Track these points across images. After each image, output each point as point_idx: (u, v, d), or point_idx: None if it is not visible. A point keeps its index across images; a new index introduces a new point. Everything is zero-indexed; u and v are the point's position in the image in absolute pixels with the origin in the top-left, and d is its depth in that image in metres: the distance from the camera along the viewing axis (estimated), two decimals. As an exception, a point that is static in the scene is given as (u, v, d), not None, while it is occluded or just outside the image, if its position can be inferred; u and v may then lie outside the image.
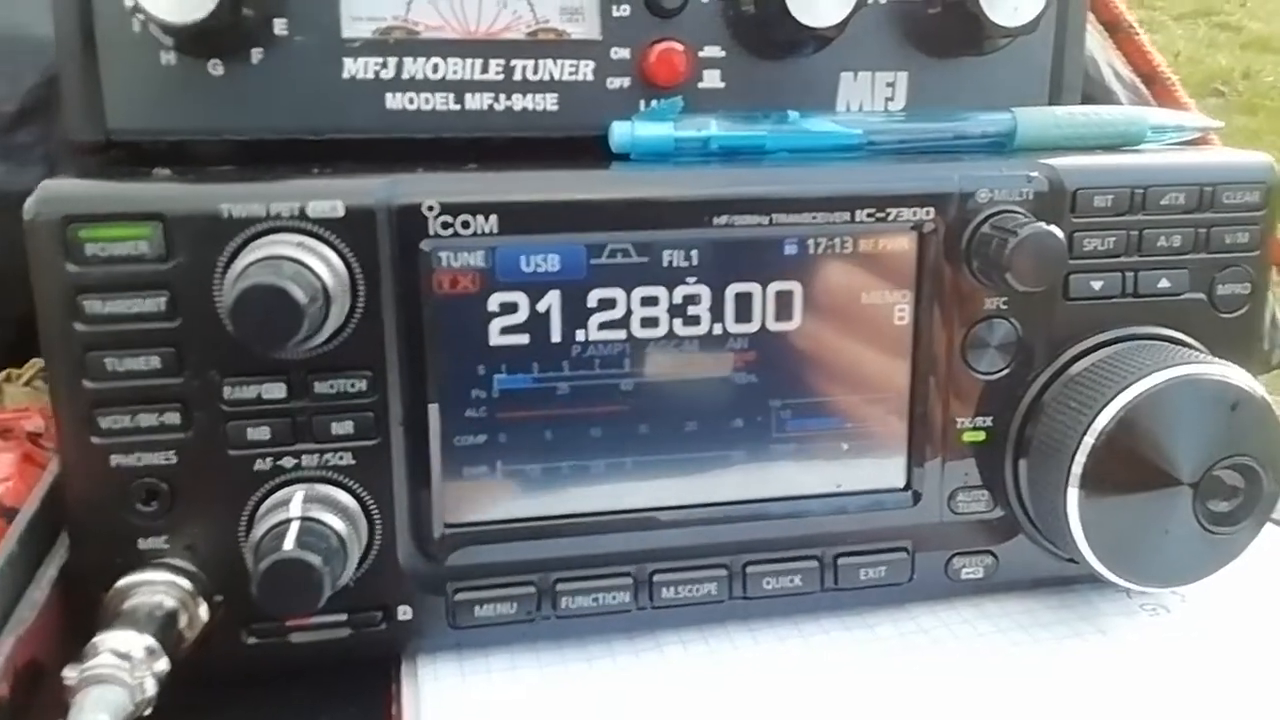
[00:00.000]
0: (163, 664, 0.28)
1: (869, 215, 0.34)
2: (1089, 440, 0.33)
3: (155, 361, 0.30)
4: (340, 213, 0.31)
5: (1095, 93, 0.50)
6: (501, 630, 0.35)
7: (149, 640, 0.29)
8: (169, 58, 0.33)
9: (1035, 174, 0.34)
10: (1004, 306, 0.35)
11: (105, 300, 0.30)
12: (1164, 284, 0.36)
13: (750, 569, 0.36)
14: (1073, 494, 0.33)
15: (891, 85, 0.38)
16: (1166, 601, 0.38)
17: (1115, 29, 0.43)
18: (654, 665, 0.35)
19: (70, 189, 0.30)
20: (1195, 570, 0.35)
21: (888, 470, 0.37)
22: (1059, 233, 0.32)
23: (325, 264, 0.30)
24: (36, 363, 0.45)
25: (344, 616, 0.33)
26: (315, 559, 0.29)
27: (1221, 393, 0.33)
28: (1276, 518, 0.45)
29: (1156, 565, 0.35)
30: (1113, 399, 0.33)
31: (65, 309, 0.30)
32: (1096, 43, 0.49)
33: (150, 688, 0.28)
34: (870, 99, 0.38)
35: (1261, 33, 4.11)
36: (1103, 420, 0.33)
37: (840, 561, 0.36)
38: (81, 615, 0.31)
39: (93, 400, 0.30)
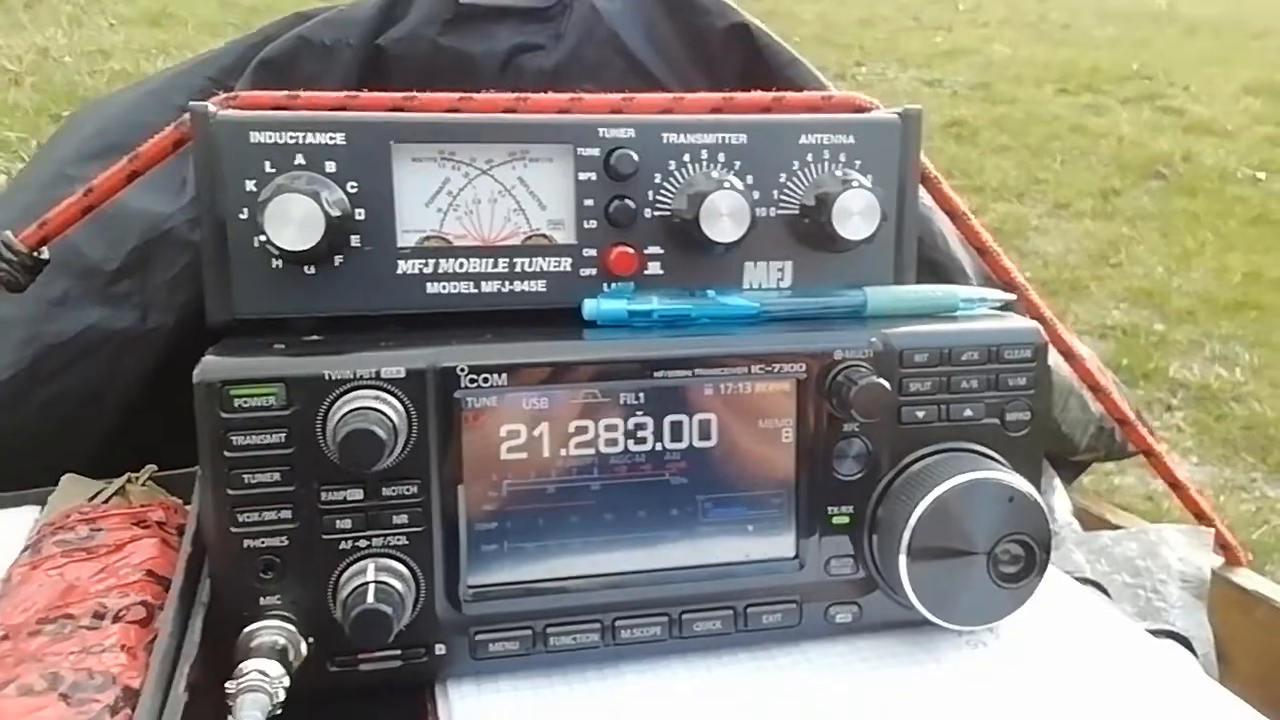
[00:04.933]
0: (286, 681, 0.42)
1: (761, 368, 0.48)
2: (911, 522, 0.47)
3: (276, 476, 0.44)
4: (402, 374, 0.44)
5: (945, 261, 0.66)
6: (508, 661, 0.47)
7: (276, 665, 0.42)
8: (277, 264, 0.47)
9: (874, 338, 0.49)
10: (857, 429, 0.49)
11: (245, 435, 0.43)
12: (968, 413, 0.50)
13: (685, 616, 0.48)
14: (903, 560, 0.47)
15: (781, 270, 0.52)
16: (984, 637, 0.51)
17: (954, 216, 0.58)
18: (617, 687, 0.48)
19: (223, 364, 0.43)
20: (995, 614, 0.49)
21: (781, 544, 0.50)
22: (885, 383, 0.47)
23: (393, 409, 0.44)
24: (150, 468, 0.59)
25: (398, 652, 0.46)
26: (388, 609, 0.43)
27: (1002, 490, 0.48)
28: (1069, 570, 0.60)
29: (966, 611, 0.49)
30: (928, 493, 0.47)
31: (218, 442, 0.43)
32: (947, 224, 0.65)
33: (280, 696, 0.41)
34: (767, 280, 0.52)
35: (1203, 116, 4.33)
36: (920, 508, 0.47)
37: (749, 610, 0.49)
38: (216, 652, 0.45)
39: (233, 503, 0.44)
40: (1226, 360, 2.47)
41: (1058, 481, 0.76)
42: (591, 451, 0.48)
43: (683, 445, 0.49)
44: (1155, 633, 0.54)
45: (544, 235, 0.50)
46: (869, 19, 5.40)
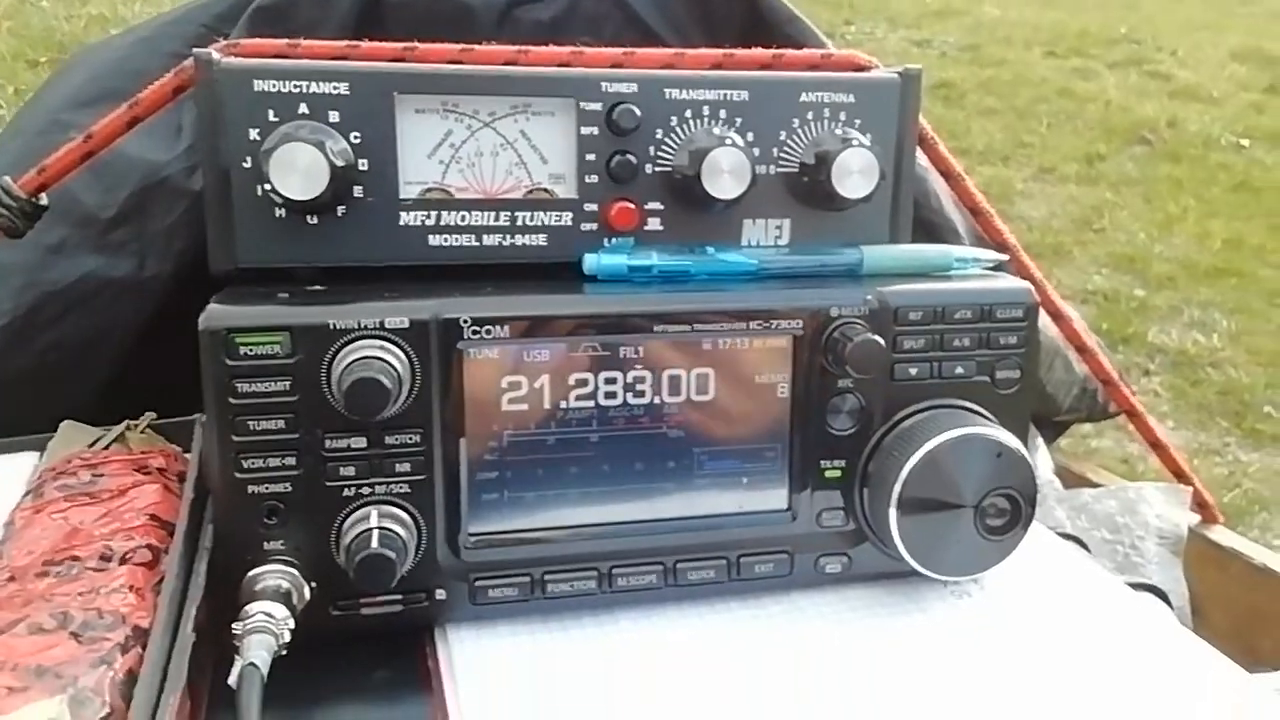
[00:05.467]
0: (290, 623, 0.43)
1: (758, 324, 0.49)
2: (902, 475, 0.48)
3: (280, 423, 0.44)
4: (406, 324, 0.45)
5: (939, 220, 0.67)
6: (507, 607, 0.48)
7: (281, 608, 0.43)
8: (280, 213, 0.47)
9: (870, 296, 0.50)
10: (851, 385, 0.50)
11: (250, 383, 0.44)
12: (959, 370, 0.51)
13: (679, 565, 0.50)
14: (893, 512, 0.49)
15: (780, 228, 0.53)
16: (969, 589, 0.53)
17: (949, 177, 0.59)
18: (613, 634, 0.49)
19: (229, 312, 0.44)
20: (980, 565, 0.51)
21: (774, 497, 0.51)
22: (880, 340, 0.48)
23: (396, 359, 0.44)
24: (149, 416, 0.59)
25: (399, 597, 0.47)
26: (391, 554, 0.44)
27: (991, 445, 0.49)
28: (1051, 525, 0.61)
29: (953, 562, 0.50)
30: (918, 448, 0.48)
31: (223, 389, 0.44)
32: (941, 185, 0.65)
33: (285, 637, 0.42)
34: (765, 237, 0.53)
35: (1189, 82, 4.34)
36: (911, 462, 0.48)
37: (742, 560, 0.50)
38: (220, 596, 0.45)
39: (238, 449, 0.44)
40: (1204, 326, 2.50)
41: (1040, 440, 0.77)
42: (591, 404, 0.48)
43: (680, 399, 0.49)
44: (1133, 586, 0.56)
45: (545, 189, 0.51)
46: (859, -24, 5.35)
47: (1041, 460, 0.74)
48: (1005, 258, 0.55)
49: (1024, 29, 4.74)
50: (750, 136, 0.51)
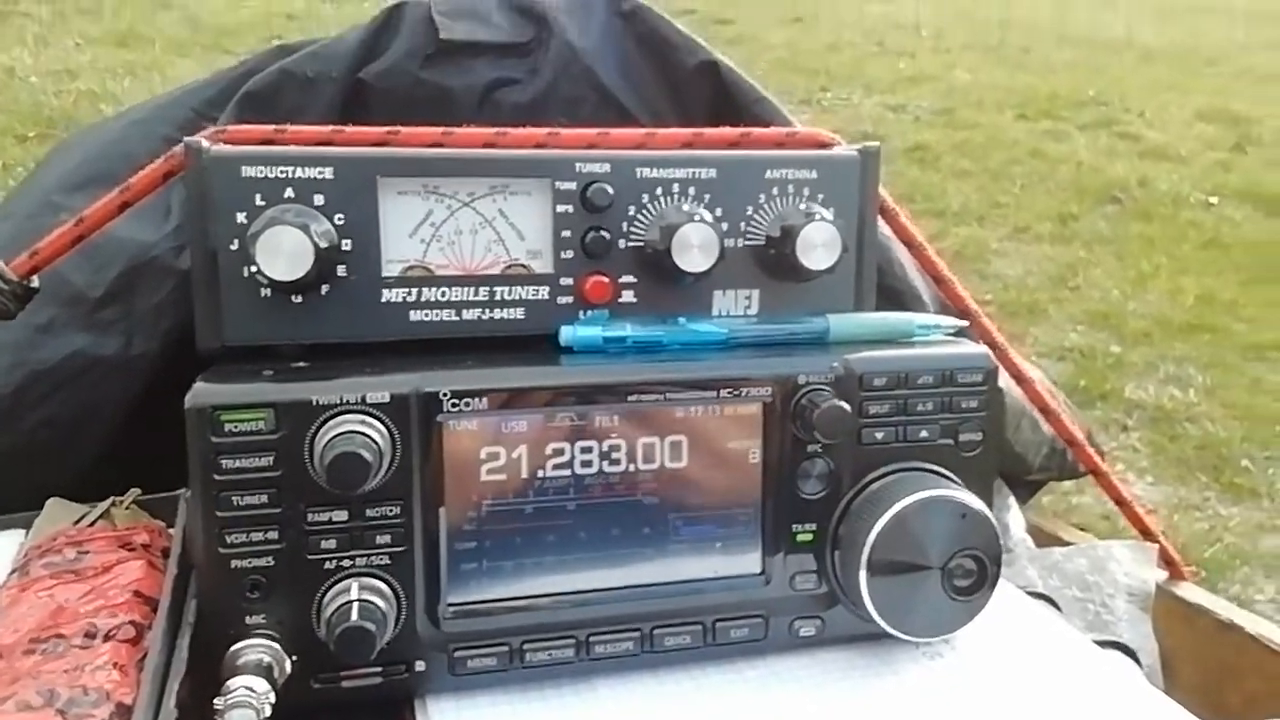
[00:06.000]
0: (271, 697, 0.43)
1: (729, 392, 0.50)
2: (871, 537, 0.50)
3: (263, 498, 0.45)
4: (387, 399, 0.46)
5: (902, 288, 0.69)
6: (486, 676, 0.49)
7: (263, 682, 0.44)
8: (266, 292, 0.49)
9: (836, 363, 0.51)
10: (820, 450, 0.51)
11: (234, 459, 0.45)
12: (923, 434, 0.52)
13: (656, 631, 0.50)
14: (863, 575, 0.50)
15: (749, 298, 0.55)
16: (941, 649, 0.54)
17: (911, 246, 0.61)
18: (590, 700, 0.49)
19: (214, 390, 0.45)
20: (950, 626, 0.52)
21: (748, 561, 0.52)
22: (847, 406, 0.49)
23: (378, 432, 0.46)
24: (134, 493, 0.60)
25: (379, 669, 0.47)
26: (371, 626, 0.44)
27: (956, 507, 0.50)
28: (1023, 585, 0.62)
29: (923, 623, 0.51)
30: (886, 511, 0.50)
31: (208, 465, 0.45)
32: (905, 252, 0.68)
33: (266, 711, 0.42)
34: (734, 308, 0.55)
35: (1158, 142, 4.44)
36: (879, 525, 0.50)
37: (717, 625, 0.51)
38: (203, 670, 0.46)
39: (222, 524, 0.45)
40: (1180, 381, 2.53)
41: (1012, 500, 0.79)
42: (568, 472, 0.50)
43: (655, 466, 0.51)
44: (1102, 644, 0.57)
45: (523, 265, 0.53)
46: (835, 44, 5.49)
47: (1014, 520, 0.75)
48: (966, 324, 0.57)
49: (995, 93, 4.86)
50: (718, 212, 0.53)
